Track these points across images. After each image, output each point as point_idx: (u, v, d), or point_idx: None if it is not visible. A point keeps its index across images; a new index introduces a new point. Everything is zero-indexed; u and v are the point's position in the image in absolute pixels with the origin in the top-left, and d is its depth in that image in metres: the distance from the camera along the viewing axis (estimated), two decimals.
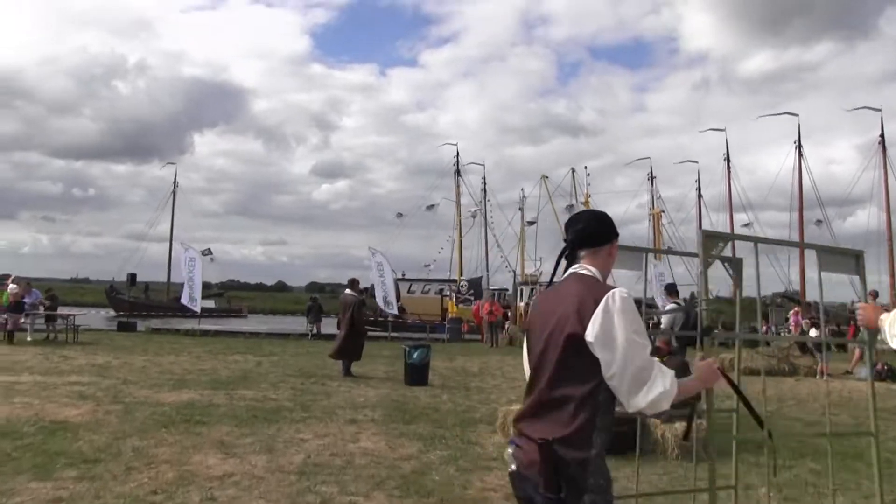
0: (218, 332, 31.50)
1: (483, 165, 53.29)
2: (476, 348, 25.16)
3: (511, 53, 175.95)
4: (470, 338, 32.89)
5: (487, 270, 47.04)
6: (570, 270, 2.76)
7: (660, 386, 2.45)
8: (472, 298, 32.26)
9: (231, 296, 73.17)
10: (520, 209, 48.23)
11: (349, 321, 14.58)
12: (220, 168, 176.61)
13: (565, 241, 2.83)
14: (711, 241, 3.97)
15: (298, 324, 37.38)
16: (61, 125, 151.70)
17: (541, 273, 42.37)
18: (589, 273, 2.71)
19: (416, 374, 13.27)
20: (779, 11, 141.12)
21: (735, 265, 4.12)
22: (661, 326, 11.35)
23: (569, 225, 2.87)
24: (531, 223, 47.06)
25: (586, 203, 46.53)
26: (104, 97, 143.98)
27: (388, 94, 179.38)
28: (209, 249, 31.27)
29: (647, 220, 52.78)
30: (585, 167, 50.72)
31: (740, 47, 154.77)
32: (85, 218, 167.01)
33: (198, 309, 30.06)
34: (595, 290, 2.57)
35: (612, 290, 2.54)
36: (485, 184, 50.59)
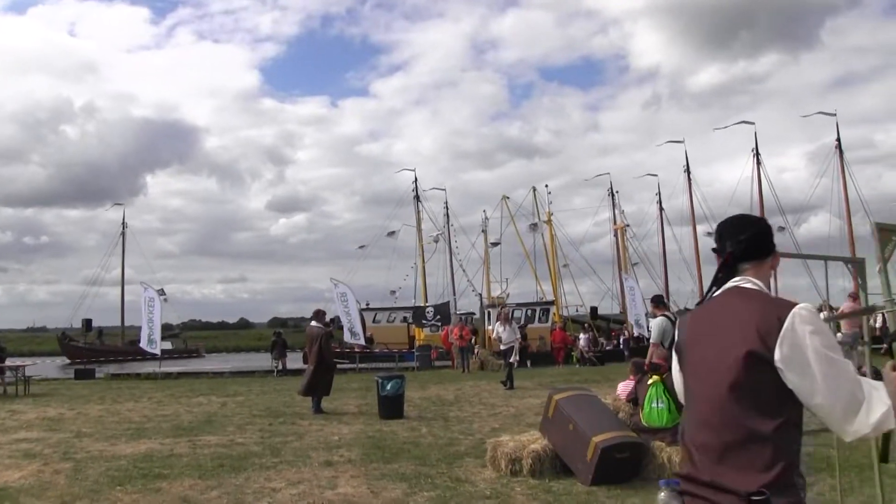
0: (181, 374, 30.47)
1: (444, 190, 52.81)
2: (448, 375, 24.45)
3: (462, 78, 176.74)
4: (440, 364, 32.18)
5: (454, 295, 46.41)
6: (731, 284, 2.40)
7: (880, 405, 2.06)
8: (440, 324, 31.60)
9: (188, 336, 71.45)
10: (483, 231, 47.65)
11: (317, 355, 13.85)
12: (175, 208, 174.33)
13: (718, 250, 2.47)
14: (886, 235, 3.35)
15: (263, 360, 36.39)
16: (8, 173, 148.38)
17: (508, 295, 41.87)
18: (755, 287, 2.36)
19: (391, 407, 12.54)
20: (724, 26, 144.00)
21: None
22: (651, 340, 10.77)
23: (727, 232, 2.46)
24: (495, 244, 46.42)
25: (549, 222, 46.28)
26: (52, 142, 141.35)
27: (341, 126, 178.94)
28: (162, 290, 30.05)
29: (607, 236, 52.75)
30: (546, 185, 50.34)
31: (689, 62, 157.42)
32: (39, 266, 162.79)
33: (158, 351, 28.96)
34: (775, 306, 2.22)
35: (798, 306, 2.19)
36: (447, 207, 50.06)
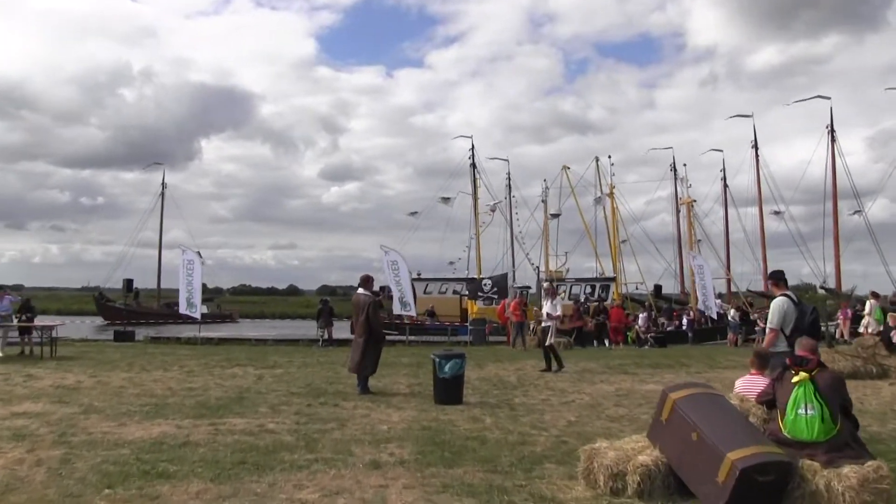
0: (222, 340, 29.27)
1: (507, 160, 50.87)
2: (504, 352, 22.67)
3: (518, 52, 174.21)
4: (494, 339, 30.46)
5: (514, 266, 44.38)
6: None
7: None
8: (496, 297, 29.79)
9: (221, 301, 70.70)
10: (543, 201, 45.35)
11: (364, 326, 12.21)
12: (229, 173, 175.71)
13: None
14: None
15: (310, 328, 35.12)
16: (68, 134, 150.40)
17: (567, 269, 39.82)
18: None
19: (449, 391, 10.83)
20: (785, 5, 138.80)
21: None
22: (769, 325, 8.83)
23: None
24: (555, 216, 44.25)
25: (611, 195, 43.92)
26: (110, 105, 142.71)
27: (396, 96, 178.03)
28: (199, 253, 28.76)
29: (660, 214, 50.27)
30: (609, 157, 47.69)
31: (747, 42, 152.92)
32: (95, 226, 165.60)
33: (198, 315, 27.68)
34: None
35: None
36: (509, 177, 48.00)
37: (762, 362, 7.78)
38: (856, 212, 43.86)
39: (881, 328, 25.06)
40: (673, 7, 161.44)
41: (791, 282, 10.50)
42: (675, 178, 49.87)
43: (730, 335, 29.69)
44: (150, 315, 50.81)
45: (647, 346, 28.72)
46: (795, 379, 6.20)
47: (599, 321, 29.37)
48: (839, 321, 30.51)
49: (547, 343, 16.16)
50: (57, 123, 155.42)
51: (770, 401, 6.60)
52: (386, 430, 8.62)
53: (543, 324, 16.57)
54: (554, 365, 15.87)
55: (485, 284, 31.09)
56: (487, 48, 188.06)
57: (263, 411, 9.78)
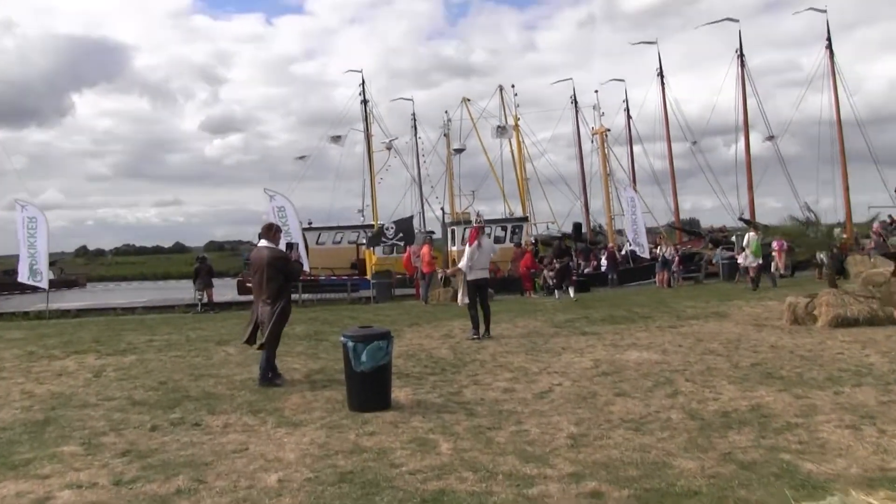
0: (82, 312, 24.65)
1: (412, 100, 47.38)
2: (417, 310, 19.06)
3: None
4: (401, 293, 26.92)
5: (423, 208, 40.50)
6: None
7: None
8: (402, 244, 26.12)
9: (64, 263, 64.00)
10: (444, 135, 41.40)
11: (273, 288, 8.69)
12: (106, 129, 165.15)
13: None
14: None
15: (189, 290, 30.57)
16: None
17: (479, 214, 36.07)
18: None
19: (370, 391, 7.17)
20: None
21: None
22: None
23: None
24: (459, 151, 40.50)
25: (515, 126, 40.36)
26: None
27: (276, 44, 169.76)
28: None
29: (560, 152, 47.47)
30: (513, 86, 43.96)
31: None
32: None
33: (45, 284, 22.94)
34: None
35: None
36: (414, 118, 44.14)
37: None
38: (769, 138, 41.99)
39: (759, 262, 22.90)
40: None
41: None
42: (577, 110, 47.01)
43: (663, 274, 26.99)
44: None
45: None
46: None
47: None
48: (774, 253, 28.36)
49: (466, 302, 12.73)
50: None
51: None
52: (276, 484, 4.95)
53: (470, 277, 12.89)
54: (482, 327, 12.47)
55: (388, 230, 27.21)
56: None
57: (69, 452, 5.89)
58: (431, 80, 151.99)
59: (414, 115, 44.61)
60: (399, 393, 7.78)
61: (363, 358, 7.00)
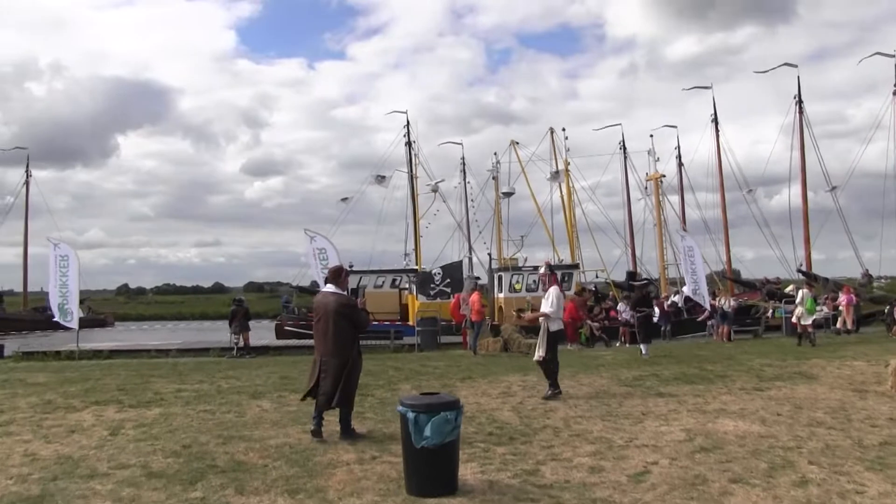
0: (114, 353, 23.68)
1: (461, 144, 47.11)
2: (466, 362, 17.70)
3: (440, 43, 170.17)
4: (446, 341, 25.56)
5: (471, 252, 39.21)
6: None
7: None
8: (450, 291, 24.76)
9: (91, 301, 63.70)
10: (493, 178, 40.08)
11: (340, 340, 7.86)
12: (149, 170, 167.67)
13: None
14: None
15: (225, 331, 29.43)
16: None
17: (525, 259, 34.65)
18: None
19: (434, 472, 5.86)
20: None
21: None
22: None
23: None
24: (507, 195, 39.19)
25: (566, 170, 39.16)
26: (16, 98, 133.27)
27: (318, 88, 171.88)
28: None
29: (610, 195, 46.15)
30: (563, 129, 42.81)
31: (665, 32, 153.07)
32: (7, 228, 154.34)
33: (75, 324, 22.04)
34: None
35: None
36: (464, 162, 43.49)
37: None
38: (832, 188, 40.16)
39: (813, 318, 21.15)
40: None
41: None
42: (626, 156, 45.71)
43: (722, 327, 25.37)
44: (20, 322, 43.82)
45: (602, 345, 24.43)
46: None
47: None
48: (841, 308, 26.57)
49: (543, 356, 11.31)
50: None
51: None
52: None
53: (553, 327, 11.44)
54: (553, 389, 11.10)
55: (435, 275, 25.92)
56: (409, 39, 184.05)
57: None
58: (472, 127, 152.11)
59: (463, 158, 43.83)
60: (465, 469, 6.46)
61: (427, 432, 5.70)
